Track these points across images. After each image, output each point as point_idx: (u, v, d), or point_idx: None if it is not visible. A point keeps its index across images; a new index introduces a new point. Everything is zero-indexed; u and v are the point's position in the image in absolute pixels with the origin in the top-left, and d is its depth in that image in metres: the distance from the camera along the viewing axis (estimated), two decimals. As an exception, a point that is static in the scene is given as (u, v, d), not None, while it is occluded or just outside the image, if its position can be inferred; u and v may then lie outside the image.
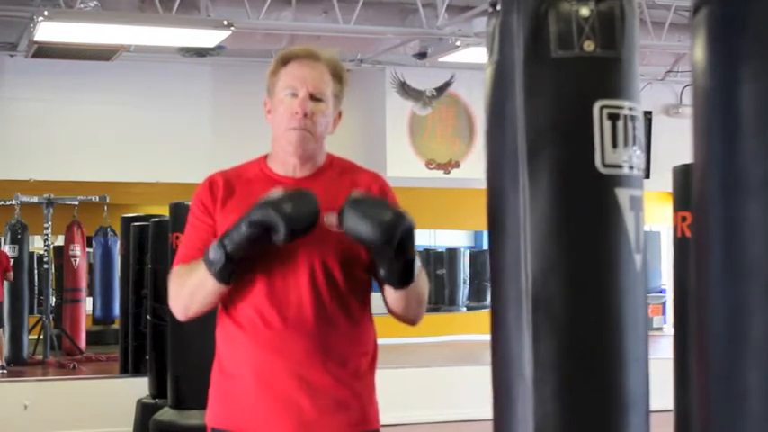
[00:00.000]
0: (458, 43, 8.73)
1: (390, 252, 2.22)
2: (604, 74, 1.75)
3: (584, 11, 1.75)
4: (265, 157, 2.48)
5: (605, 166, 1.72)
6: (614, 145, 1.73)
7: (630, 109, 1.76)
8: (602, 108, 1.73)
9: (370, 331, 2.43)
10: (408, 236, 2.22)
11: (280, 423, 2.32)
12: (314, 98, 2.37)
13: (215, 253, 2.26)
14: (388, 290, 2.34)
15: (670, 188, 4.41)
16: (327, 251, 2.33)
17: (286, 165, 2.42)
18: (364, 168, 2.52)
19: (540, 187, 1.73)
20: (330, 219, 2.27)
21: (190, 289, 2.35)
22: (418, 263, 2.33)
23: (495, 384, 1.83)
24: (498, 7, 1.82)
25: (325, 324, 2.32)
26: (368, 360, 2.41)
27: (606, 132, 1.72)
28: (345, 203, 2.21)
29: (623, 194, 1.73)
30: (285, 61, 2.41)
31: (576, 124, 1.73)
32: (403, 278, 2.31)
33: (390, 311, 2.42)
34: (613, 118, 1.73)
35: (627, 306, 1.74)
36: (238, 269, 2.29)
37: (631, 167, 1.75)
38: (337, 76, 2.43)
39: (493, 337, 1.83)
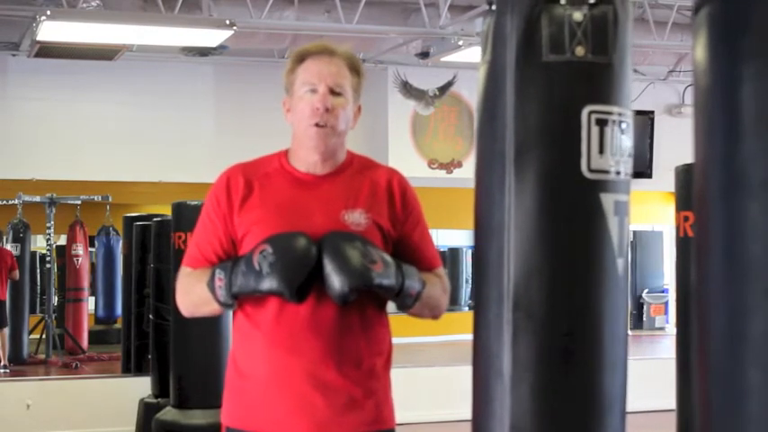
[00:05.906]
0: (460, 43, 8.72)
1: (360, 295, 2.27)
2: (594, 79, 1.74)
3: (577, 15, 1.74)
4: (286, 151, 2.45)
5: (591, 171, 1.72)
6: (601, 150, 1.73)
7: (620, 114, 1.75)
8: (590, 113, 1.72)
9: (385, 331, 2.43)
10: (383, 287, 2.26)
11: (294, 423, 2.32)
12: (334, 92, 2.35)
13: (224, 298, 2.31)
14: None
15: (673, 188, 4.41)
16: None
17: (307, 162, 2.40)
18: (383, 165, 2.52)
19: (525, 189, 1.73)
20: (349, 218, 2.28)
21: (195, 300, 2.40)
22: (416, 287, 2.33)
23: (475, 383, 1.83)
24: (493, 7, 1.82)
25: (341, 324, 2.32)
26: (383, 360, 2.41)
27: (594, 137, 1.72)
28: (323, 241, 2.24)
29: (608, 199, 1.73)
30: (301, 59, 2.39)
31: (563, 128, 1.73)
32: (400, 307, 2.36)
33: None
34: (601, 123, 1.73)
35: (607, 309, 1.74)
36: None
37: (618, 173, 1.75)
38: (355, 69, 2.41)
39: (474, 335, 1.84)
